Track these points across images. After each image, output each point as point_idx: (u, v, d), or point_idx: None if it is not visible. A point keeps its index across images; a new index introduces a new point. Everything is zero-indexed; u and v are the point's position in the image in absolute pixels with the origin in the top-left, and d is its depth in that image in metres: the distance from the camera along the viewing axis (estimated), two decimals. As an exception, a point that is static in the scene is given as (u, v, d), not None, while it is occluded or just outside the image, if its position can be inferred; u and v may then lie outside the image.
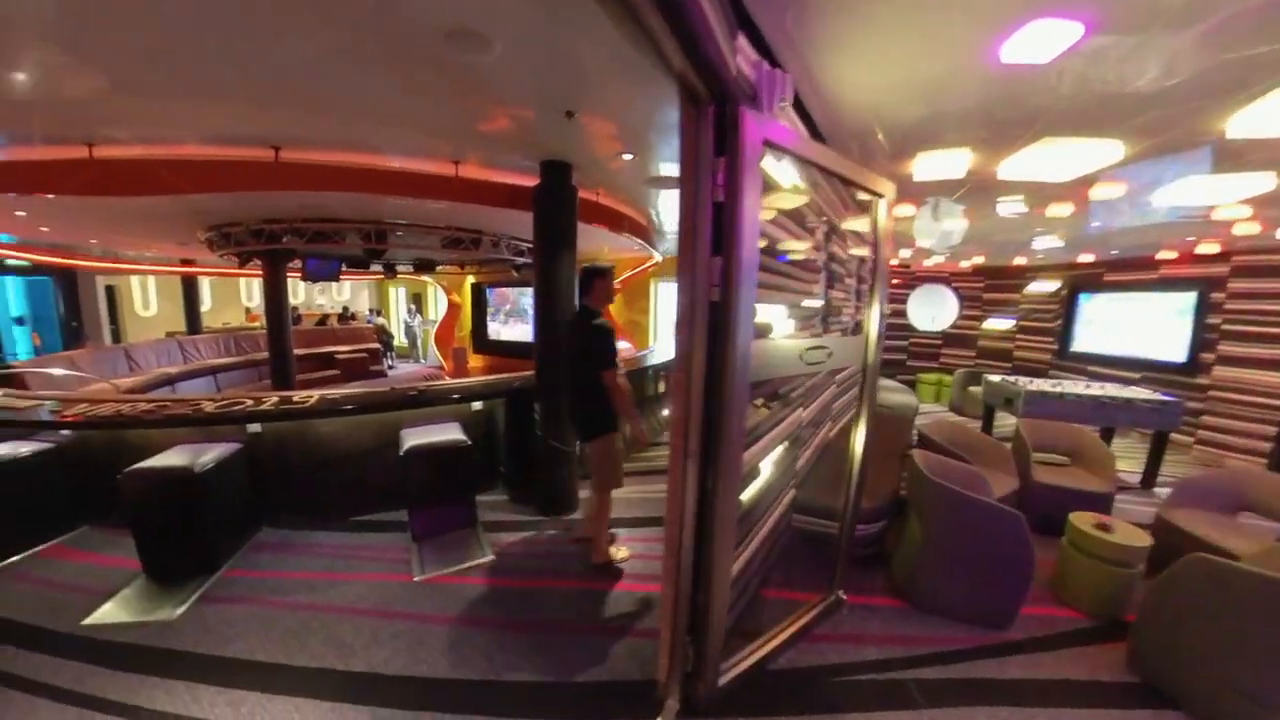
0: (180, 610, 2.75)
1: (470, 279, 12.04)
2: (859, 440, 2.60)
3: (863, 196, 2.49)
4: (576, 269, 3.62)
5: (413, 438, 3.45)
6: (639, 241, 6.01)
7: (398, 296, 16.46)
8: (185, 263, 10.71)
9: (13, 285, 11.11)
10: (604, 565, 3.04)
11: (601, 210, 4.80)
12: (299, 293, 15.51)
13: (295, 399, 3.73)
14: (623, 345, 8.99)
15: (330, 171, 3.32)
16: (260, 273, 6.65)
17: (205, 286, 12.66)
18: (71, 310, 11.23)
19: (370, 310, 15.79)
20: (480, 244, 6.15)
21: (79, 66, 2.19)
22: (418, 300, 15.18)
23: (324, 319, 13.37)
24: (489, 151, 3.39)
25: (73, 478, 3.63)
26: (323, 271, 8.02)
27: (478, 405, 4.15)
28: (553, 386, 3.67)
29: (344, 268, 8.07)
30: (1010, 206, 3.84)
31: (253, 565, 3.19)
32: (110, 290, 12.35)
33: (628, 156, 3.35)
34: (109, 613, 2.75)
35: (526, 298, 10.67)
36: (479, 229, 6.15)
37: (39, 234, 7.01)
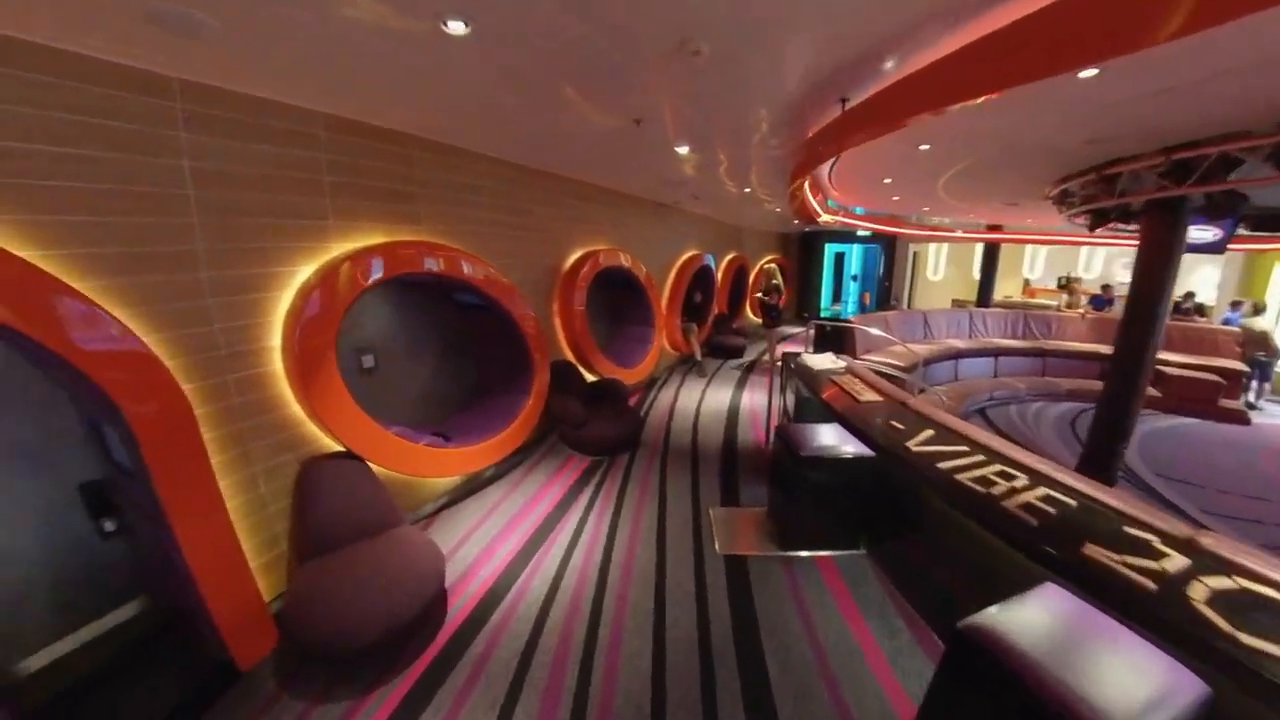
0: None
1: None
2: None
3: None
4: None
5: None
6: None
7: (1283, 277, 9.84)
8: (991, 228, 9.92)
9: (853, 251, 14.68)
10: None
11: None
12: (1086, 263, 12.19)
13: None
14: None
15: None
16: (1106, 240, 4.25)
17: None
18: (887, 271, 13.43)
19: (1235, 304, 8.67)
20: None
21: None
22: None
23: (1137, 302, 9.44)
24: None
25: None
26: (1208, 239, 4.89)
27: None
28: None
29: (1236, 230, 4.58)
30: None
31: None
32: (914, 255, 13.91)
33: None
34: None
35: None
36: None
37: (888, 204, 7.69)
